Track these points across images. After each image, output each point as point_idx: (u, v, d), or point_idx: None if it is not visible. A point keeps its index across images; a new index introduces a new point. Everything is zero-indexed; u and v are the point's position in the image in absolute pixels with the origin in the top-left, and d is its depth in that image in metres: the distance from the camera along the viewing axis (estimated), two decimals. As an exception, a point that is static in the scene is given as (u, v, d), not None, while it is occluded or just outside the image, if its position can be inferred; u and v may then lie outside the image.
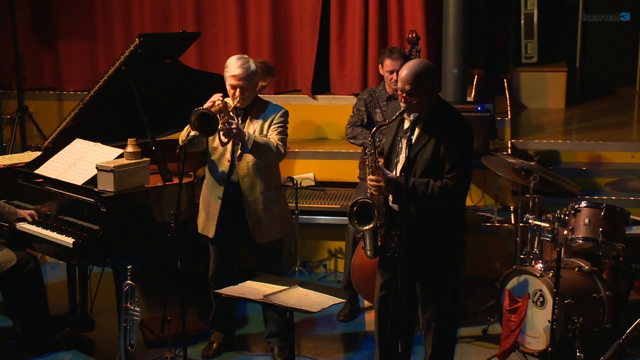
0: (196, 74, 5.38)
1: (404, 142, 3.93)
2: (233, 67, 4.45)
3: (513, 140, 6.81)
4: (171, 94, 5.21)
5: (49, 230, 4.62)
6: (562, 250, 4.60)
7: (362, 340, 5.21)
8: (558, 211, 5.06)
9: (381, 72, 5.37)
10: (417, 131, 3.88)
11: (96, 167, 4.55)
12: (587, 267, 4.95)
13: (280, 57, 7.30)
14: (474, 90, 7.16)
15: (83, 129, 5.04)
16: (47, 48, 7.71)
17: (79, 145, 4.89)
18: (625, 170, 6.37)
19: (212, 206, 4.64)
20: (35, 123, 7.21)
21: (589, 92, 8.84)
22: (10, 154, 6.45)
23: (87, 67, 7.66)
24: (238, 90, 4.45)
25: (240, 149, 4.48)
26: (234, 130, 4.33)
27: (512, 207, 6.31)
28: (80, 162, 4.76)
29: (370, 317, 5.23)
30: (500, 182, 6.09)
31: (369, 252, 4.01)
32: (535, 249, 5.12)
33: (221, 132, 4.36)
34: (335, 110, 7.20)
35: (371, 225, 3.88)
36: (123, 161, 4.57)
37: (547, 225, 4.98)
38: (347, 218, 4.01)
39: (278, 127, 4.53)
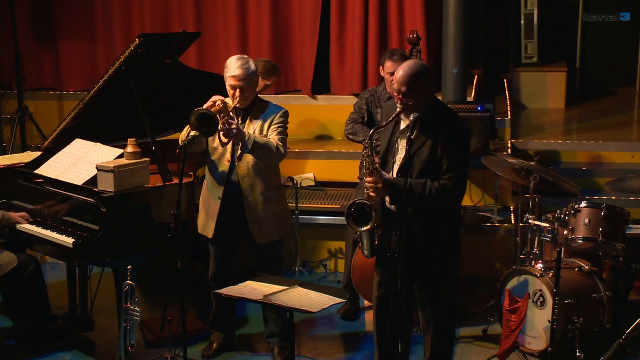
0: (196, 74, 5.38)
1: (400, 142, 3.94)
2: (233, 67, 4.45)
3: (513, 140, 6.81)
4: (171, 94, 5.21)
5: (49, 230, 4.62)
6: (562, 250, 4.60)
7: (362, 340, 5.21)
8: (558, 211, 5.06)
9: (382, 73, 5.37)
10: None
11: (96, 167, 4.55)
12: (587, 267, 4.95)
13: (280, 57, 7.30)
14: (474, 90, 7.16)
15: (83, 129, 5.04)
16: (47, 48, 7.71)
17: (79, 145, 4.89)
18: (625, 170, 6.37)
19: (211, 206, 4.64)
20: (35, 123, 7.21)
21: (589, 92, 8.84)
22: (10, 154, 6.45)
23: (87, 67, 7.67)
24: (238, 90, 4.45)
25: (240, 149, 4.48)
26: (234, 131, 4.32)
27: (512, 207, 6.31)
28: (80, 162, 4.75)
29: (370, 317, 5.23)
30: (500, 182, 6.09)
31: (366, 252, 4.03)
32: (535, 249, 5.12)
33: (221, 133, 4.36)
34: (335, 110, 7.20)
35: (369, 226, 3.90)
36: (123, 161, 4.57)
37: (547, 225, 4.98)
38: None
39: (278, 127, 4.53)
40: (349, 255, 5.37)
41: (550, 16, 8.74)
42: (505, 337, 4.65)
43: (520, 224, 5.38)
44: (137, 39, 4.68)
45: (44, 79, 7.80)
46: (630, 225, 4.98)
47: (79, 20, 7.61)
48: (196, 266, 5.73)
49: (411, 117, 3.77)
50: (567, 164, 6.74)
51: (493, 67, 8.32)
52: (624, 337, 4.70)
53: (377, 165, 3.87)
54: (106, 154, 4.70)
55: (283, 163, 4.82)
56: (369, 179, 3.85)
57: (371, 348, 4.46)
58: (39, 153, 5.11)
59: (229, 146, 4.51)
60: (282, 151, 4.51)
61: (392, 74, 5.22)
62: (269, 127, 4.53)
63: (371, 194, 3.87)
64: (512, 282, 4.95)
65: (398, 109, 3.85)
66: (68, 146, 4.91)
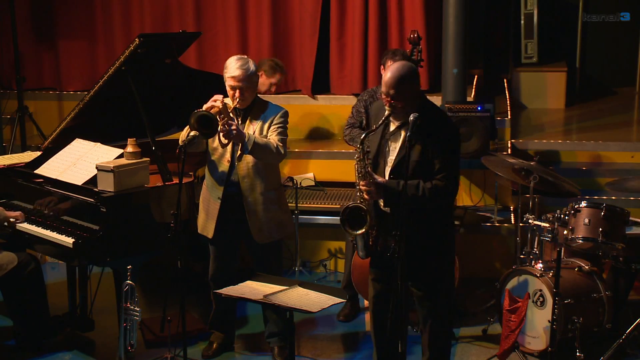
0: (196, 74, 5.38)
1: (391, 144, 3.98)
2: (232, 67, 4.45)
3: (513, 140, 6.81)
4: (171, 94, 5.21)
5: (49, 230, 4.62)
6: (562, 250, 4.60)
7: (362, 340, 5.21)
8: (558, 211, 5.06)
9: (383, 73, 5.35)
10: (402, 133, 3.91)
11: (96, 167, 4.55)
12: (587, 267, 4.95)
13: (280, 57, 7.28)
14: (474, 90, 7.16)
15: (83, 129, 5.04)
16: (47, 48, 7.71)
17: (79, 145, 4.89)
18: (625, 170, 6.37)
19: (211, 206, 4.64)
20: (35, 123, 7.21)
21: (589, 92, 8.83)
22: (10, 154, 6.44)
23: (87, 67, 7.66)
24: (237, 91, 4.45)
25: (240, 150, 4.48)
26: (234, 132, 4.32)
27: (512, 207, 6.31)
28: (80, 162, 4.75)
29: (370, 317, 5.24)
30: (500, 182, 6.09)
31: (360, 253, 4.08)
32: (535, 249, 5.12)
33: (221, 134, 4.36)
34: (335, 110, 7.20)
35: (363, 229, 3.93)
36: (123, 161, 4.57)
37: (547, 225, 4.98)
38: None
39: (278, 127, 4.53)
40: (349, 255, 5.37)
41: (550, 16, 8.74)
42: (505, 337, 4.65)
43: (520, 224, 5.38)
44: (137, 39, 4.68)
45: (44, 79, 7.80)
46: (630, 226, 4.98)
47: (79, 20, 7.61)
48: (196, 266, 5.72)
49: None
50: (567, 164, 6.74)
51: (493, 67, 8.32)
52: (624, 337, 4.70)
53: (369, 168, 3.89)
54: (106, 154, 4.70)
55: (283, 163, 4.83)
56: (361, 182, 3.89)
57: (371, 348, 4.46)
58: (39, 153, 5.11)
59: (229, 146, 4.51)
60: (282, 152, 4.51)
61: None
62: (269, 127, 4.53)
63: (365, 197, 3.90)
64: (512, 282, 4.95)
65: (387, 112, 3.87)
66: (68, 146, 4.91)
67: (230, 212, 4.60)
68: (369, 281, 4.24)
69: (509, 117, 6.98)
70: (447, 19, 6.39)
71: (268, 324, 4.87)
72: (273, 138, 4.50)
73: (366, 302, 5.49)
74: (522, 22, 8.33)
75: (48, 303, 4.99)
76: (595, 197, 6.07)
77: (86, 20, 7.60)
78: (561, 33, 8.99)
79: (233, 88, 4.46)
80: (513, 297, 4.71)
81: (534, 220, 5.06)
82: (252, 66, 4.48)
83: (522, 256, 5.25)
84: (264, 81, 6.24)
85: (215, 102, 4.35)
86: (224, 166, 4.57)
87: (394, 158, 3.95)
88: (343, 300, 3.78)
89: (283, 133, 4.55)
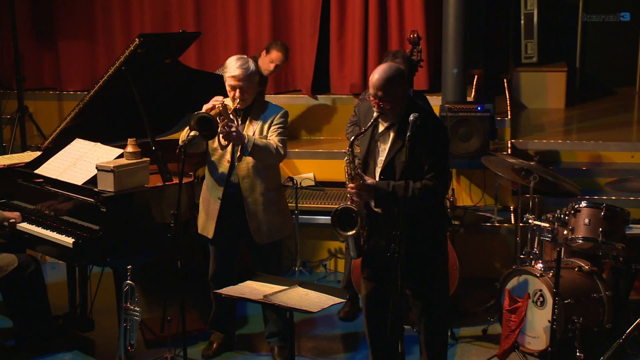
0: (196, 74, 5.38)
1: (381, 145, 3.98)
2: (232, 67, 4.45)
3: (513, 140, 6.81)
4: (171, 94, 5.21)
5: (49, 230, 4.61)
6: (562, 250, 4.60)
7: (362, 340, 5.20)
8: (558, 211, 5.06)
9: None
10: (392, 134, 3.91)
11: (96, 167, 4.54)
12: (587, 267, 4.95)
13: (281, 57, 7.30)
14: (474, 90, 7.16)
15: (83, 129, 5.04)
16: (47, 48, 7.71)
17: (79, 145, 4.89)
18: (625, 170, 6.37)
19: (211, 207, 4.64)
20: (35, 123, 7.21)
21: (589, 92, 8.84)
22: (10, 154, 6.44)
23: (87, 67, 7.67)
24: (237, 90, 4.45)
25: (240, 152, 4.48)
26: (234, 133, 4.32)
27: (512, 207, 6.31)
28: (80, 162, 4.75)
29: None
30: (500, 182, 6.09)
31: (352, 253, 4.09)
32: (535, 249, 5.12)
33: (221, 135, 4.36)
34: (335, 110, 7.21)
35: (354, 231, 3.95)
36: (123, 161, 4.57)
37: (547, 225, 4.98)
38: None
39: (278, 128, 4.53)
40: (349, 255, 5.37)
41: (550, 16, 8.74)
42: (505, 337, 4.65)
43: (520, 224, 5.38)
44: (137, 39, 4.68)
45: (44, 79, 7.81)
46: (630, 225, 4.98)
47: (79, 20, 7.62)
48: (196, 266, 5.72)
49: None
50: (567, 164, 6.74)
51: (493, 67, 8.33)
52: (624, 337, 4.70)
53: (358, 170, 3.91)
54: (106, 154, 4.70)
55: (283, 163, 4.83)
56: (351, 184, 3.90)
57: (371, 348, 4.47)
58: (39, 153, 5.11)
59: (229, 147, 4.51)
60: (282, 152, 4.51)
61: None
62: (269, 127, 4.53)
63: (355, 199, 3.91)
64: (512, 282, 4.95)
65: (375, 114, 3.88)
66: (68, 146, 4.91)
67: (230, 213, 4.60)
68: (361, 282, 4.26)
69: (509, 117, 6.98)
70: (447, 19, 6.39)
71: (268, 324, 4.87)
72: (273, 139, 4.49)
73: (366, 302, 5.51)
74: (522, 22, 8.34)
75: (49, 304, 4.99)
76: (595, 197, 6.07)
77: (86, 20, 7.61)
78: (561, 33, 8.99)
79: (233, 88, 4.46)
80: (513, 297, 4.71)
81: (534, 220, 5.06)
82: (252, 66, 4.48)
83: (522, 256, 5.24)
84: (274, 58, 6.30)
85: (216, 103, 4.35)
86: (224, 167, 4.56)
87: (383, 159, 3.96)
88: (343, 300, 3.77)
89: (283, 133, 4.55)
